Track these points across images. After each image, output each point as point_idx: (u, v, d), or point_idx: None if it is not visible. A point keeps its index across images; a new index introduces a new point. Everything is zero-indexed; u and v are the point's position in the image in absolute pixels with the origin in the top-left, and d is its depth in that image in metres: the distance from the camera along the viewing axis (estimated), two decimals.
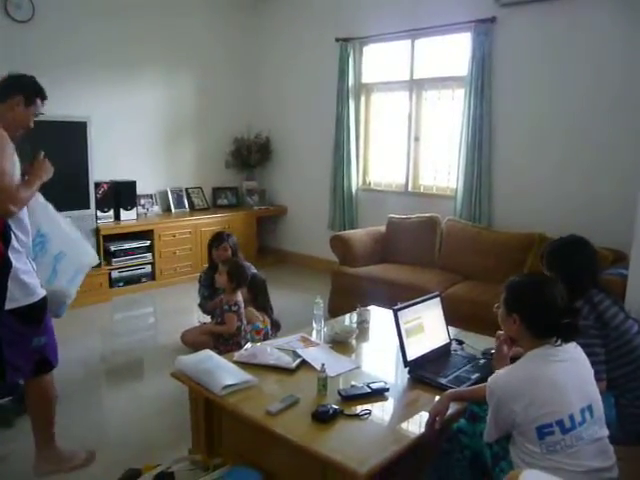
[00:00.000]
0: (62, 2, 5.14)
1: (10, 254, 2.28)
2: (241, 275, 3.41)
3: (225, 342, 3.39)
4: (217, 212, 6.25)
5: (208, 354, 2.55)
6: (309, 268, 6.36)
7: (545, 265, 2.48)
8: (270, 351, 2.64)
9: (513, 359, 2.08)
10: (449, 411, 2.08)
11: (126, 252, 5.40)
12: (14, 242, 2.30)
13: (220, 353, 2.69)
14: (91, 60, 5.35)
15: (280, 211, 6.79)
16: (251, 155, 6.59)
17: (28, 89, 2.44)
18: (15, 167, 2.32)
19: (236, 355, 2.63)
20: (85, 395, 3.45)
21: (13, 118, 2.39)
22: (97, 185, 5.27)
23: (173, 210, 6.12)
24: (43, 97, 2.50)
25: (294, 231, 6.72)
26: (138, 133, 5.86)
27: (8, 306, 2.28)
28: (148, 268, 5.56)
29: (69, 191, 4.91)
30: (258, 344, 2.91)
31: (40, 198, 2.64)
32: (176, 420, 2.96)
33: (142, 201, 5.85)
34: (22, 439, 2.79)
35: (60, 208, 4.71)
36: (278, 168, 6.82)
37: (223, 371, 2.37)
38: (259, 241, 6.61)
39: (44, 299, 2.43)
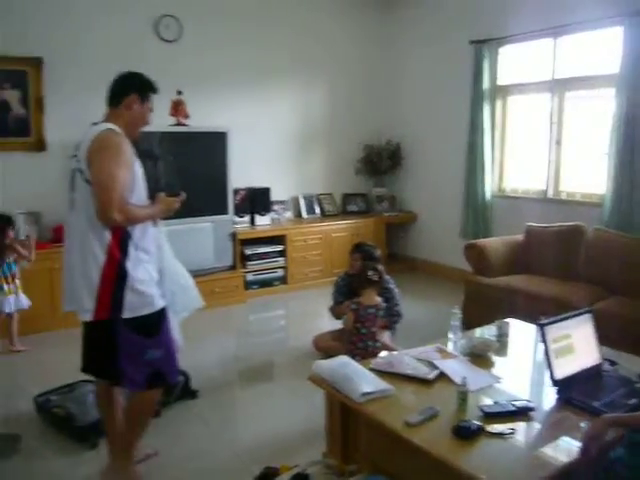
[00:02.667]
0: (206, 23, 5.46)
1: (127, 264, 2.28)
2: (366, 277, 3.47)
3: (358, 347, 3.41)
4: (347, 218, 6.30)
5: (346, 360, 2.55)
6: (439, 276, 6.22)
7: None
8: (407, 361, 2.60)
9: None
10: (607, 438, 1.91)
11: (260, 256, 5.60)
12: (132, 251, 2.30)
13: (354, 359, 2.68)
14: (231, 74, 5.64)
15: (410, 218, 6.71)
16: (381, 162, 6.57)
17: (141, 86, 2.46)
18: (134, 174, 2.33)
19: (373, 363, 2.61)
20: (221, 392, 3.61)
21: (132, 117, 2.42)
22: (235, 192, 5.52)
23: (305, 216, 6.26)
24: (155, 91, 2.51)
25: (424, 238, 6.61)
26: (273, 141, 6.07)
27: (126, 315, 2.28)
28: (280, 272, 5.73)
29: (210, 197, 5.20)
30: (395, 352, 2.88)
31: (164, 234, 2.60)
32: (309, 423, 3.00)
33: (275, 207, 6.04)
34: (161, 429, 2.96)
35: (202, 213, 5.09)
36: (408, 174, 6.75)
37: (361, 378, 2.36)
38: (388, 248, 6.56)
39: (162, 311, 2.41)
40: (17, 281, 4.14)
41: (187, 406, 3.35)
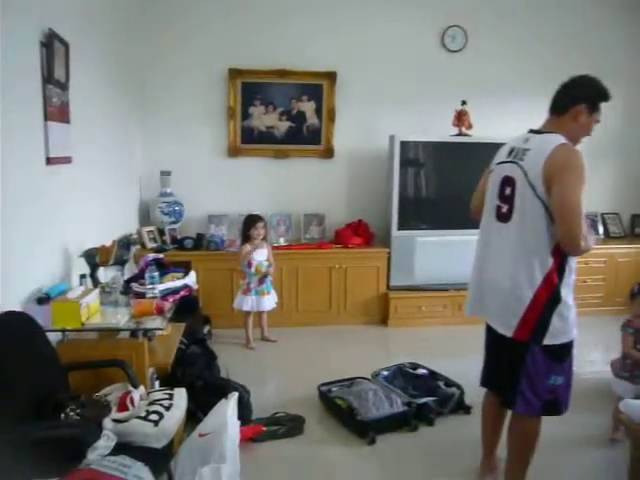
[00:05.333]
0: (490, 33, 5.30)
1: (562, 289, 2.19)
2: None
3: None
4: (635, 242, 5.58)
5: None
6: None
7: None
8: None
9: None
10: None
11: None
12: (567, 277, 2.21)
13: None
14: (514, 84, 5.40)
15: None
16: None
17: (593, 95, 2.26)
18: None
19: None
20: None
21: (576, 129, 2.26)
22: None
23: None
24: (607, 99, 2.28)
25: None
26: None
27: (546, 341, 2.20)
28: None
29: None
30: None
31: None
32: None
33: None
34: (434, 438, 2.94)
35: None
36: None
37: None
38: None
39: (573, 340, 2.30)
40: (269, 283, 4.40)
41: (460, 420, 3.26)
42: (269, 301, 4.38)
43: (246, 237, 4.34)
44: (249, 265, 4.29)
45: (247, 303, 4.31)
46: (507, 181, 2.29)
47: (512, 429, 2.43)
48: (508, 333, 2.25)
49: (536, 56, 5.42)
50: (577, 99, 2.23)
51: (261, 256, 4.32)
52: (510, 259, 2.24)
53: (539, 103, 5.30)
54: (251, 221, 4.35)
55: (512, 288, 2.22)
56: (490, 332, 2.44)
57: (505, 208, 2.29)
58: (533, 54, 5.42)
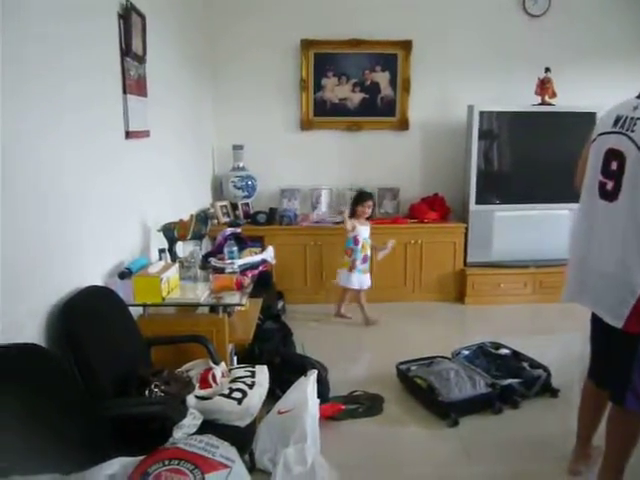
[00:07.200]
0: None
1: None
2: None
3: None
4: None
5: None
6: None
7: None
8: None
9: None
10: None
11: None
12: None
13: None
14: (600, 52, 5.01)
15: None
16: None
17: None
18: None
19: None
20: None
21: None
22: None
23: None
24: None
25: None
26: None
27: None
28: None
29: (570, 182, 4.75)
30: None
31: None
32: None
33: None
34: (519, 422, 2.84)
35: (560, 200, 4.64)
36: None
37: None
38: None
39: None
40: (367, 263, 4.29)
41: (547, 404, 3.10)
42: (368, 279, 4.30)
43: (353, 212, 4.26)
44: (356, 242, 4.19)
45: (354, 280, 4.23)
46: (613, 154, 2.07)
47: (614, 424, 2.24)
48: (618, 324, 2.06)
49: (624, 19, 5.01)
50: None
51: (366, 233, 4.24)
52: (619, 242, 2.04)
53: (631, 69, 5.05)
54: (361, 198, 4.28)
55: (622, 274, 2.03)
56: (596, 321, 2.25)
57: (610, 185, 2.08)
58: (621, 17, 5.00)
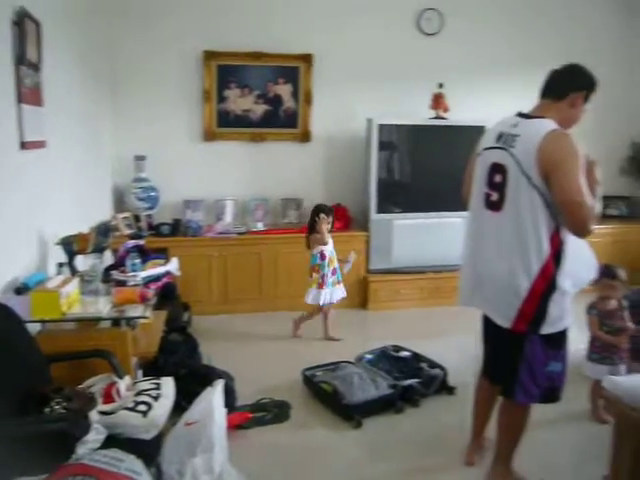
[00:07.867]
0: (467, 16, 5.29)
1: (558, 277, 2.14)
2: None
3: None
4: (606, 222, 5.66)
5: None
6: None
7: None
8: None
9: None
10: None
11: None
12: (564, 263, 2.14)
13: None
14: (491, 67, 5.39)
15: None
16: None
17: (590, 84, 2.24)
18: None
19: None
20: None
21: (570, 116, 2.23)
22: None
23: None
24: (595, 91, 2.25)
25: None
26: None
27: (544, 331, 2.19)
28: None
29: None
30: None
31: None
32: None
33: None
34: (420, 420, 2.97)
35: (452, 208, 4.87)
36: None
37: None
38: None
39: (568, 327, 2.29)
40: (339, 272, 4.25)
41: (445, 401, 3.30)
42: (341, 290, 4.24)
43: (312, 227, 4.17)
44: (322, 257, 4.13)
45: (323, 297, 4.12)
46: (496, 168, 2.24)
47: (504, 416, 2.44)
48: (506, 324, 2.24)
49: (512, 40, 5.44)
50: (578, 86, 2.21)
51: (331, 246, 4.19)
52: (505, 250, 2.21)
53: (514, 86, 5.47)
54: (324, 212, 4.16)
55: (509, 279, 2.19)
56: (487, 323, 2.44)
57: (495, 196, 2.25)
58: (509, 38, 5.43)
